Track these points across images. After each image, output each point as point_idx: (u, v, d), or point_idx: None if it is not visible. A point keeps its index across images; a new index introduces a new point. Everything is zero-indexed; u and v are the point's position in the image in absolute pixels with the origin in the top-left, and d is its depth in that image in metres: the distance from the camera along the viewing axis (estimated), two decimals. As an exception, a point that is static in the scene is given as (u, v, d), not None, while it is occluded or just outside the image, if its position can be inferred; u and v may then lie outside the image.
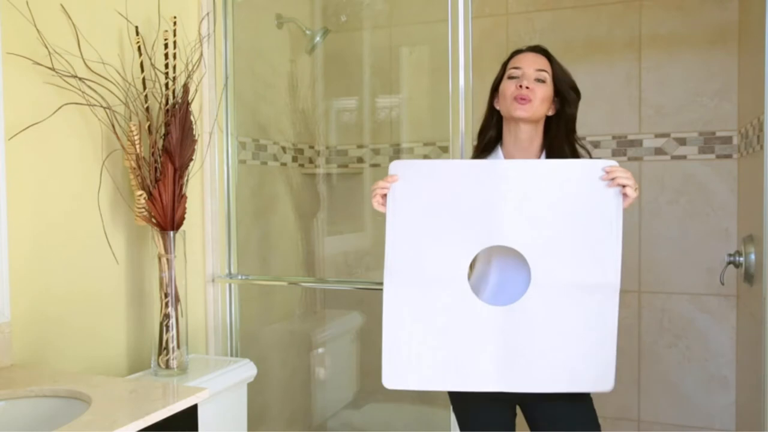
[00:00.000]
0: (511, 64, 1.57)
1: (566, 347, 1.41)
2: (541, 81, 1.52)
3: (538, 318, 1.41)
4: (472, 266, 1.52)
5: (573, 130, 1.57)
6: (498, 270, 1.52)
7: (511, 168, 1.44)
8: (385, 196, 1.47)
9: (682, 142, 2.59)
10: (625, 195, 1.38)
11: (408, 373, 1.45)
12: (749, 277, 2.08)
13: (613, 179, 1.37)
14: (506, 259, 1.49)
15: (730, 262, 2.14)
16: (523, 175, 1.42)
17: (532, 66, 1.53)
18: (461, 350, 1.44)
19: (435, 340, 1.44)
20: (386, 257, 1.47)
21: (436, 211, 1.45)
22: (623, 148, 2.66)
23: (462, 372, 1.44)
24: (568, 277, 1.40)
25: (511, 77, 1.54)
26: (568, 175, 1.41)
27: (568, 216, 1.40)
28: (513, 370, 1.42)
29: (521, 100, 1.50)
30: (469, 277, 1.46)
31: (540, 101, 1.51)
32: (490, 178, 1.43)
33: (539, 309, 1.41)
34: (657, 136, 2.62)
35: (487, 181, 1.43)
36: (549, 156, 1.54)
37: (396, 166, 1.48)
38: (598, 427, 1.51)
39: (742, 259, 2.10)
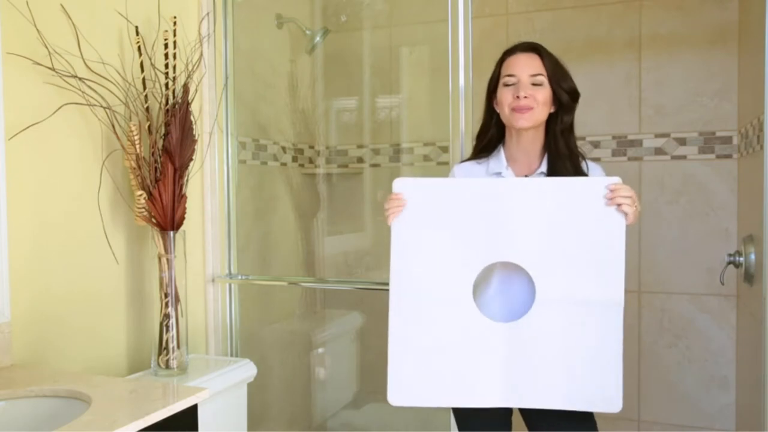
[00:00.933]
0: (505, 69, 1.54)
1: (571, 365, 1.41)
2: (539, 84, 1.50)
3: (543, 335, 1.42)
4: None
5: (570, 131, 1.55)
6: (498, 278, 1.52)
7: (515, 186, 1.45)
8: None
9: (682, 142, 2.59)
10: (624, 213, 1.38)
11: (413, 391, 1.47)
12: (749, 277, 2.08)
13: (613, 198, 1.37)
14: (507, 267, 1.49)
15: (730, 262, 2.14)
16: (527, 193, 1.43)
17: (526, 71, 1.50)
18: (466, 367, 1.45)
19: (440, 358, 1.46)
20: (391, 274, 1.49)
21: (441, 228, 1.46)
22: (623, 148, 2.66)
23: (467, 389, 1.45)
24: (571, 295, 1.41)
25: (506, 84, 1.52)
26: (572, 193, 1.41)
27: (572, 233, 1.41)
28: (518, 386, 1.43)
29: (521, 111, 1.49)
30: None
31: (542, 105, 1.50)
32: (494, 196, 1.44)
33: (543, 326, 1.42)
34: (657, 136, 2.62)
35: (491, 199, 1.44)
36: (550, 157, 1.54)
37: (400, 185, 1.48)
38: (595, 427, 1.51)
39: (742, 259, 2.10)
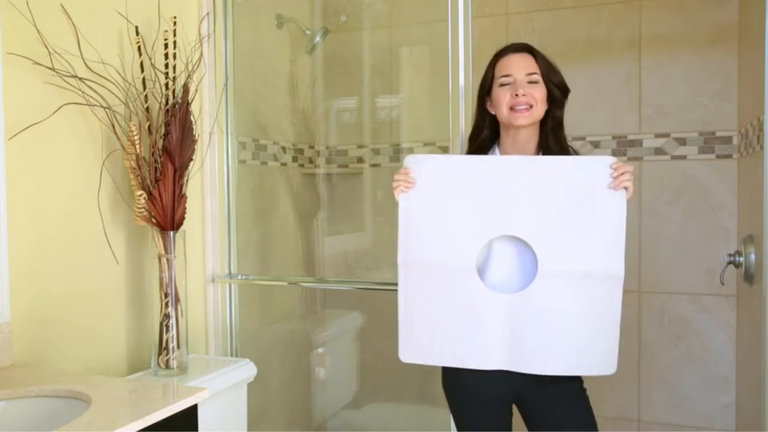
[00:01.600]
0: (500, 70, 1.55)
1: (570, 333, 1.45)
2: (534, 83, 1.52)
3: (544, 305, 1.46)
4: None
5: (560, 127, 1.57)
6: (502, 251, 1.53)
7: (520, 163, 1.49)
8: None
9: (682, 142, 2.59)
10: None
11: (421, 351, 1.54)
12: (749, 277, 2.08)
13: (618, 180, 1.40)
14: (506, 244, 1.51)
15: (730, 262, 2.14)
16: (532, 170, 1.47)
17: (521, 70, 1.52)
18: (470, 334, 1.50)
19: (445, 324, 1.51)
20: (399, 245, 1.54)
21: (448, 202, 1.50)
22: (623, 148, 2.66)
23: (472, 351, 1.50)
24: (572, 267, 1.44)
25: (503, 85, 1.53)
26: (575, 170, 1.45)
27: (575, 209, 1.44)
28: (518, 352, 1.48)
29: (520, 108, 1.50)
30: None
31: (540, 103, 1.52)
32: (501, 172, 1.48)
33: (545, 296, 1.46)
34: (657, 136, 2.62)
35: (497, 174, 1.48)
36: (544, 153, 1.55)
37: (411, 160, 1.53)
38: (595, 427, 1.51)
39: (742, 259, 2.10)
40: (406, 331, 1.55)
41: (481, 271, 1.51)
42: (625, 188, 1.41)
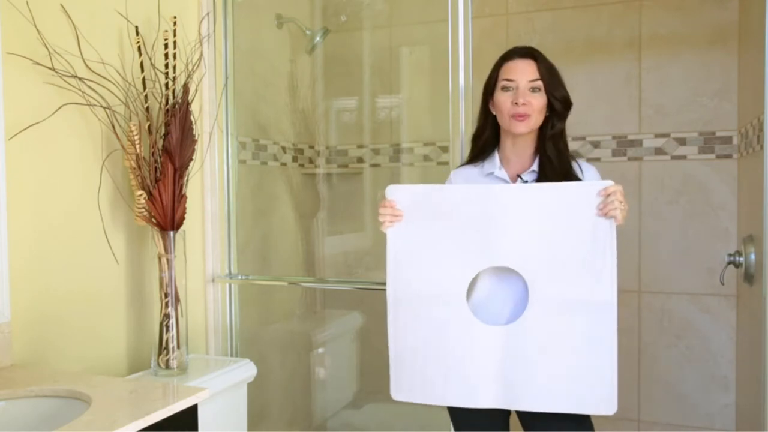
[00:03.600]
0: (503, 73, 1.56)
1: (565, 367, 1.43)
2: (537, 90, 1.52)
3: (537, 338, 1.44)
4: None
5: (560, 135, 1.56)
6: (492, 282, 1.53)
7: (507, 192, 1.47)
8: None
9: (682, 142, 2.59)
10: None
11: (413, 388, 1.53)
12: (749, 277, 2.08)
13: (605, 205, 1.39)
14: (497, 274, 1.51)
15: (730, 262, 2.14)
16: (519, 199, 1.45)
17: (525, 77, 1.52)
18: (462, 369, 1.48)
19: (437, 360, 1.49)
20: (388, 279, 1.52)
21: (435, 234, 1.49)
22: (623, 148, 2.66)
23: (463, 390, 1.48)
24: (564, 297, 1.42)
25: (505, 89, 1.54)
26: (564, 198, 1.43)
27: (564, 237, 1.42)
28: (513, 388, 1.45)
29: (519, 117, 1.51)
30: None
31: (538, 112, 1.52)
32: (487, 202, 1.46)
33: (537, 329, 1.44)
34: (657, 136, 2.62)
35: (483, 205, 1.46)
36: (541, 159, 1.56)
37: (393, 192, 1.51)
38: (591, 427, 1.51)
39: (742, 259, 2.10)
40: (396, 368, 1.53)
41: (472, 303, 1.51)
42: (615, 216, 1.39)
